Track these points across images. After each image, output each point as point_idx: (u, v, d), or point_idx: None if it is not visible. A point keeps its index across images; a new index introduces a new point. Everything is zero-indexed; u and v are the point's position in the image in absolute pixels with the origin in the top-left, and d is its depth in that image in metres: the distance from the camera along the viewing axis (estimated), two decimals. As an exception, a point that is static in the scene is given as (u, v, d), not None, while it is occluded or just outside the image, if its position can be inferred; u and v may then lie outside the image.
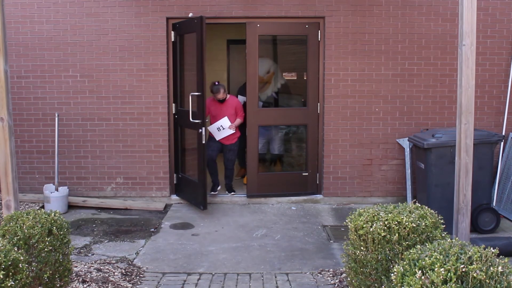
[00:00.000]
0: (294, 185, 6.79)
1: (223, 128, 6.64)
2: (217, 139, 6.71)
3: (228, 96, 6.77)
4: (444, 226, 3.43)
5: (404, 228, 3.25)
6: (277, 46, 10.79)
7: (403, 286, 2.54)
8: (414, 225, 3.25)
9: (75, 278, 4.17)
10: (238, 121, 6.77)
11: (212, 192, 6.77)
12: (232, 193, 6.83)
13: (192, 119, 6.17)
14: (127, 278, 4.33)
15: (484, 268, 2.44)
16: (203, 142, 6.09)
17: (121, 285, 4.19)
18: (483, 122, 6.52)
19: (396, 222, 3.28)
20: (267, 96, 7.32)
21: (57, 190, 6.33)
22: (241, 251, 5.05)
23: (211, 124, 6.82)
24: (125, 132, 6.67)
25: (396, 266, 2.70)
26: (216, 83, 6.62)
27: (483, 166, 5.50)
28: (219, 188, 6.84)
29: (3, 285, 2.77)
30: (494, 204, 6.18)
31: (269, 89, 7.27)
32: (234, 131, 6.70)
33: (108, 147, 6.70)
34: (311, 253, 5.02)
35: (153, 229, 5.74)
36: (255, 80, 6.60)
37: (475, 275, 2.40)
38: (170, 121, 6.71)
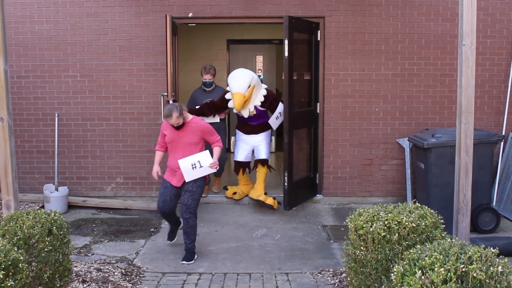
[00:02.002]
0: (306, 189, 6.69)
1: (200, 165, 4.69)
2: (187, 180, 4.72)
3: (190, 117, 4.81)
4: (444, 226, 3.43)
5: (404, 228, 3.25)
6: (277, 46, 10.80)
7: (403, 286, 2.54)
8: (414, 225, 3.25)
9: (75, 278, 4.17)
10: (218, 151, 4.86)
11: (169, 241, 5.19)
12: (189, 262, 4.72)
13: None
14: (127, 278, 4.34)
15: (484, 268, 2.44)
16: None
17: (121, 285, 4.19)
18: (483, 122, 6.52)
19: (396, 222, 3.28)
20: (249, 112, 6.20)
21: (57, 190, 6.33)
22: (241, 251, 5.05)
23: (170, 158, 4.84)
24: (125, 132, 6.67)
25: (396, 266, 2.70)
26: (171, 101, 4.83)
27: (483, 166, 5.50)
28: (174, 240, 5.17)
29: (3, 285, 2.77)
30: (494, 204, 6.18)
31: (250, 104, 6.13)
32: (217, 169, 4.85)
33: (108, 147, 6.70)
34: (311, 253, 5.02)
35: (153, 229, 5.73)
36: (292, 83, 6.09)
37: (475, 275, 2.40)
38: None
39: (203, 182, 4.85)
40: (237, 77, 6.08)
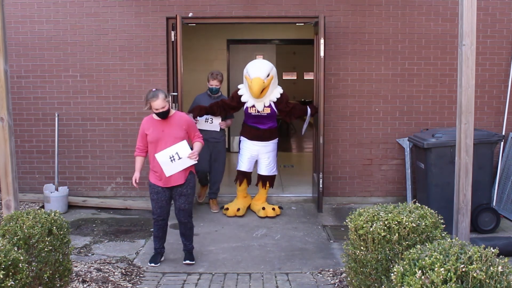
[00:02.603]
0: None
1: (179, 157, 4.44)
2: (167, 174, 4.48)
3: (174, 111, 4.63)
4: (444, 226, 3.43)
5: (404, 228, 3.25)
6: (277, 46, 10.81)
7: (403, 286, 2.54)
8: (414, 225, 3.25)
9: (75, 278, 4.17)
10: (199, 145, 4.65)
11: (152, 264, 4.67)
12: (191, 261, 4.72)
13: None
14: (127, 278, 4.33)
15: (484, 268, 2.44)
16: None
17: (121, 285, 4.19)
18: (483, 122, 6.52)
19: (396, 222, 3.28)
20: (264, 107, 5.93)
21: (57, 190, 6.33)
22: (241, 251, 5.05)
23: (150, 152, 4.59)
24: (125, 132, 6.67)
25: (396, 266, 2.70)
26: (153, 89, 4.52)
27: (483, 166, 5.49)
28: (162, 259, 4.80)
29: (3, 285, 2.77)
30: (494, 204, 6.18)
31: (266, 97, 5.87)
32: (197, 161, 4.57)
33: (108, 147, 6.70)
34: (311, 253, 5.02)
35: (153, 229, 5.72)
36: (326, 82, 6.29)
37: (475, 275, 2.40)
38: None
39: (194, 180, 4.71)
40: (257, 63, 5.90)
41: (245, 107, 6.00)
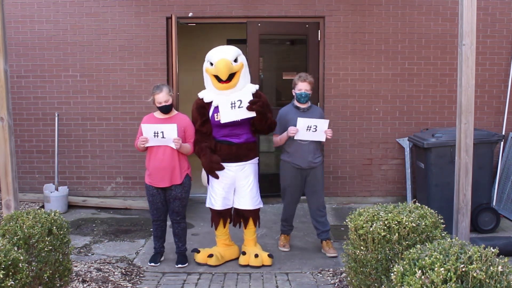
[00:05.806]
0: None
1: (163, 136, 4.33)
2: (147, 144, 4.40)
3: (175, 112, 4.58)
4: (444, 225, 3.43)
5: (404, 227, 3.25)
6: (277, 46, 10.80)
7: (403, 285, 2.54)
8: (414, 224, 3.25)
9: (75, 278, 4.17)
10: (187, 147, 4.45)
11: (152, 264, 4.61)
12: (183, 265, 4.61)
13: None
14: (127, 278, 4.34)
15: (484, 267, 2.44)
16: None
17: (121, 284, 4.19)
18: (483, 122, 6.52)
19: (396, 222, 3.28)
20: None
21: (57, 190, 6.33)
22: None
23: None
24: (125, 131, 6.67)
25: (396, 265, 2.70)
26: (158, 84, 4.58)
27: (483, 165, 5.49)
28: (162, 259, 4.73)
29: (3, 284, 2.77)
30: (494, 204, 6.18)
31: (236, 89, 4.43)
32: (176, 148, 4.37)
33: (108, 147, 6.70)
34: (311, 252, 5.02)
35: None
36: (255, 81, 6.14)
37: (475, 274, 2.40)
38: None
39: (190, 184, 4.62)
40: (220, 47, 4.50)
41: (211, 115, 4.49)
